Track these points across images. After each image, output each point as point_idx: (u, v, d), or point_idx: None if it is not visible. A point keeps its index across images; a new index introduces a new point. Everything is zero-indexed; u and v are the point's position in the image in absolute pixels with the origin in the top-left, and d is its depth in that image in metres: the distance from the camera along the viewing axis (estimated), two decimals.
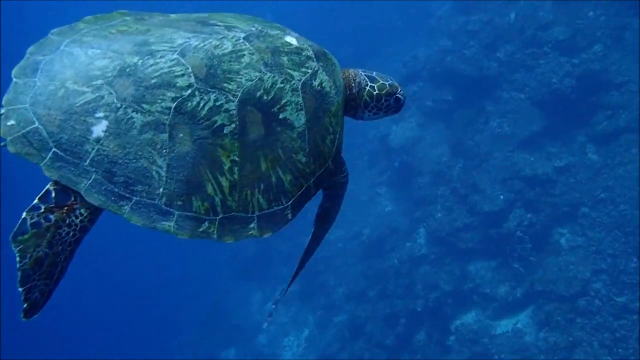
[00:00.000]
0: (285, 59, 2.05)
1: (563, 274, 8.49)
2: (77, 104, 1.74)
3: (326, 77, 2.15)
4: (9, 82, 1.81)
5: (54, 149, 1.71)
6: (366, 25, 18.37)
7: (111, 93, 1.77)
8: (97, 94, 1.76)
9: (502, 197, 9.40)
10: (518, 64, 10.36)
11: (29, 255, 1.69)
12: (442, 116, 11.56)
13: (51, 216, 1.74)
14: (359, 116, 2.44)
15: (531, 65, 10.09)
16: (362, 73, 2.42)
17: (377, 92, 2.36)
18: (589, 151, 9.57)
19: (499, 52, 10.70)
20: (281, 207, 2.01)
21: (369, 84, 2.38)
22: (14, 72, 1.81)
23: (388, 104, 2.39)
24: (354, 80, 2.39)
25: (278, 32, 2.15)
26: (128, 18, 2.08)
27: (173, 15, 2.15)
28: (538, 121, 9.79)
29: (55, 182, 1.76)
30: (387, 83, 2.38)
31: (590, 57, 9.68)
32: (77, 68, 1.80)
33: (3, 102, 1.76)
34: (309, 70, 2.10)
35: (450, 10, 13.23)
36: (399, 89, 2.41)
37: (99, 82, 1.78)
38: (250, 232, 1.95)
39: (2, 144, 1.74)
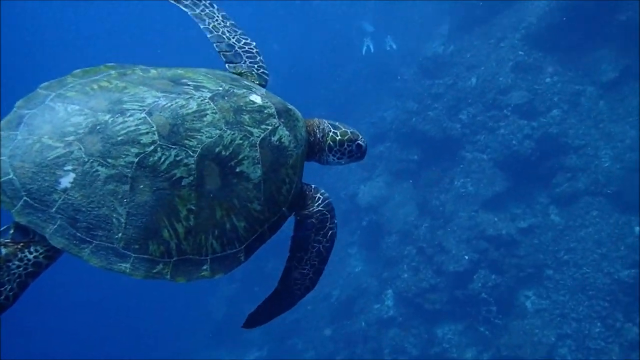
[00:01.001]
0: (247, 117, 2.24)
1: (529, 338, 8.40)
2: (49, 158, 1.93)
3: (286, 132, 2.34)
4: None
5: (24, 198, 1.89)
6: (338, 88, 18.95)
7: (80, 148, 1.95)
8: (68, 149, 1.94)
9: (466, 257, 9.41)
10: (480, 125, 10.69)
11: None
12: (409, 175, 11.73)
13: (3, 250, 1.92)
14: (324, 160, 2.64)
15: (492, 128, 10.42)
16: (326, 122, 2.65)
17: (339, 137, 2.58)
18: (551, 212, 9.73)
19: (461, 114, 11.06)
20: (234, 250, 2.15)
21: (332, 130, 2.61)
22: (1, 124, 2.01)
23: (350, 149, 2.59)
24: (318, 127, 2.62)
25: (244, 91, 2.35)
26: (112, 72, 2.27)
27: (152, 71, 2.31)
28: (501, 182, 9.99)
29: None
30: (349, 130, 2.61)
31: (548, 121, 10.05)
32: (54, 123, 1.99)
33: None
34: (269, 127, 2.29)
35: (415, 74, 13.73)
36: (360, 137, 2.61)
37: (71, 138, 1.96)
38: (203, 273, 2.09)
39: None
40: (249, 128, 2.22)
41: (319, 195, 2.51)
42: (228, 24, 2.90)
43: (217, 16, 2.90)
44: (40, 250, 1.96)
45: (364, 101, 17.02)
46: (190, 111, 2.12)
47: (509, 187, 9.96)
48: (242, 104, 2.27)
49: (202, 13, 2.87)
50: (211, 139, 2.11)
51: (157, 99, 2.12)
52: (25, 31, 30.48)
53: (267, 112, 2.32)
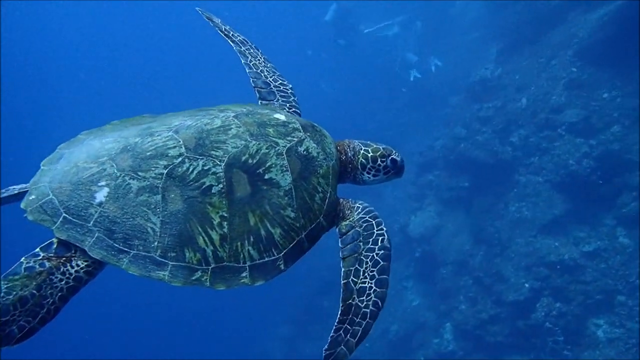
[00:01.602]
0: (271, 130, 2.34)
1: None
2: (84, 177, 2.08)
3: (313, 144, 2.40)
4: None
5: (63, 214, 2.01)
6: (387, 121, 18.99)
7: (112, 165, 2.10)
8: (101, 167, 2.10)
9: (527, 285, 8.94)
10: (533, 147, 10.32)
11: (14, 293, 1.87)
12: (460, 203, 11.42)
13: (47, 263, 1.97)
14: (359, 179, 2.63)
15: (547, 149, 10.03)
16: (357, 141, 2.69)
17: (371, 154, 2.59)
18: (619, 234, 9.12)
19: (512, 136, 10.74)
20: (272, 258, 2.16)
21: (363, 147, 2.63)
22: (42, 162, 2.21)
23: (385, 165, 2.59)
24: (349, 146, 2.66)
25: (268, 111, 2.49)
26: (145, 115, 2.51)
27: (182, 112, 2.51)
28: (559, 204, 9.51)
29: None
30: (380, 147, 2.63)
31: (608, 138, 9.55)
32: (90, 152, 2.18)
33: (30, 184, 2.13)
34: (295, 139, 2.36)
35: (463, 100, 13.55)
36: (394, 151, 2.62)
37: (104, 158, 2.13)
38: (242, 280, 2.11)
39: (24, 215, 2.05)
40: (274, 139, 2.30)
41: (357, 204, 2.49)
42: (268, 65, 3.06)
43: (260, 57, 3.07)
44: (82, 265, 2.02)
45: (414, 132, 16.94)
46: (215, 126, 2.26)
47: (569, 210, 9.47)
48: (265, 119, 2.38)
49: (246, 51, 3.05)
50: (237, 149, 2.21)
51: (183, 121, 2.29)
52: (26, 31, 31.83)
53: (291, 126, 2.40)
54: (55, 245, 2.02)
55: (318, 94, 23.99)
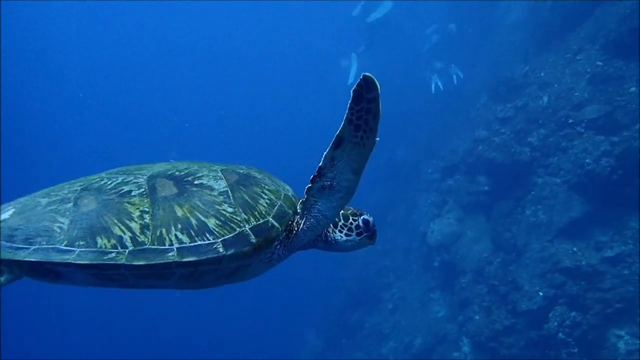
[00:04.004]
0: (205, 167, 2.40)
1: None
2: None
3: (258, 173, 2.49)
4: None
5: None
6: (420, 127, 18.92)
7: (26, 199, 2.18)
8: (15, 202, 2.18)
9: (541, 293, 8.69)
10: (553, 147, 10.03)
11: None
12: (480, 208, 11.23)
13: None
14: (331, 239, 2.60)
15: (566, 148, 9.74)
16: None
17: (342, 211, 2.57)
18: None
19: (531, 136, 10.49)
20: (207, 242, 2.09)
21: None
22: None
23: (357, 224, 2.58)
24: None
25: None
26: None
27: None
28: (578, 207, 9.19)
29: None
30: (352, 208, 2.61)
31: (633, 135, 9.16)
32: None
33: None
34: (235, 168, 2.44)
35: (488, 101, 13.35)
36: (366, 213, 2.63)
37: (22, 199, 2.21)
38: (169, 254, 2.02)
39: None
40: (206, 167, 2.40)
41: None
42: None
43: None
44: None
45: (447, 135, 16.77)
46: (145, 165, 2.44)
47: (589, 212, 9.12)
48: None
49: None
50: (162, 168, 2.31)
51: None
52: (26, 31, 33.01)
53: (232, 169, 2.46)
54: None
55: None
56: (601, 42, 10.77)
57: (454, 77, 16.62)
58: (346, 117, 2.04)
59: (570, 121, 9.94)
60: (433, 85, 16.92)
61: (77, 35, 35.80)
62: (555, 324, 8.25)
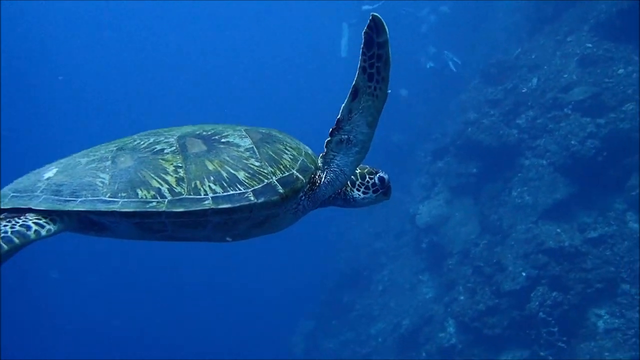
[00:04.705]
0: (229, 128, 2.58)
1: None
2: (38, 170, 2.36)
3: (279, 133, 2.64)
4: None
5: (11, 194, 2.19)
6: (416, 110, 18.97)
7: (67, 159, 2.40)
8: (57, 162, 2.40)
9: (524, 274, 8.82)
10: (540, 129, 10.10)
11: None
12: (469, 191, 11.34)
13: None
14: (350, 197, 2.76)
15: (552, 129, 9.81)
16: None
17: (359, 170, 2.74)
18: (629, 220, 8.82)
19: (519, 118, 10.56)
20: (239, 191, 2.26)
21: None
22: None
23: (374, 182, 2.72)
24: None
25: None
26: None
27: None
28: (563, 188, 9.30)
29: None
30: (368, 167, 2.76)
31: (619, 116, 9.23)
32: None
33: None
34: (258, 129, 2.61)
35: (479, 83, 13.39)
36: (382, 171, 2.77)
37: (62, 159, 2.42)
38: (205, 203, 2.20)
39: None
40: (230, 128, 2.57)
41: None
42: None
43: None
44: (31, 217, 2.08)
45: (440, 119, 16.85)
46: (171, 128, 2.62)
47: (574, 194, 9.23)
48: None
49: None
50: (190, 130, 2.49)
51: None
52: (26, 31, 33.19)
53: (254, 129, 2.63)
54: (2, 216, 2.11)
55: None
56: (591, 24, 10.79)
57: (450, 63, 16.61)
58: (360, 66, 2.17)
59: (557, 103, 10.00)
60: (428, 64, 16.94)
61: (77, 35, 35.79)
62: (537, 303, 8.40)
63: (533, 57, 11.85)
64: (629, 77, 9.69)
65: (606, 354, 7.64)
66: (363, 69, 2.17)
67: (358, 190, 2.71)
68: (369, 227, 18.27)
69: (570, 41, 11.11)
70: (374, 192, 2.72)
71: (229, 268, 24.42)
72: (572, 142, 9.18)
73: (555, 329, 8.19)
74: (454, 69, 16.56)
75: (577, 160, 9.10)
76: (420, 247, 12.17)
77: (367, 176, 2.71)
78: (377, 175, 2.71)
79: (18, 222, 2.04)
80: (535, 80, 10.89)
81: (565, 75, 10.38)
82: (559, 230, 8.97)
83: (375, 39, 2.10)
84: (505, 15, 17.06)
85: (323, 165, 2.50)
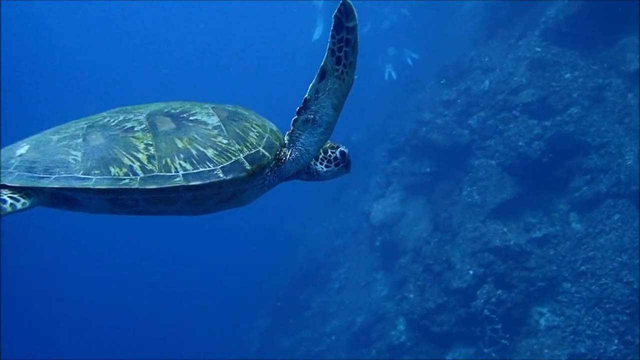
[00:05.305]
0: (197, 105, 2.60)
1: (536, 359, 7.81)
2: (10, 146, 2.36)
3: (245, 110, 2.67)
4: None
5: None
6: (374, 113, 19.15)
7: (38, 135, 2.40)
8: (28, 138, 2.39)
9: (471, 272, 9.00)
10: (490, 130, 10.34)
11: None
12: (423, 190, 11.51)
13: None
14: (313, 170, 2.84)
15: (502, 131, 10.05)
16: None
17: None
18: (572, 220, 9.12)
19: (471, 119, 10.78)
20: (208, 169, 2.33)
21: None
22: None
23: (335, 156, 2.81)
24: None
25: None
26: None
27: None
28: (510, 188, 9.55)
29: None
30: (330, 142, 2.82)
31: (564, 119, 9.53)
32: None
33: None
34: (224, 106, 2.63)
35: (435, 84, 13.62)
36: (343, 146, 2.86)
37: (34, 136, 2.41)
38: (176, 179, 2.27)
39: None
40: (198, 106, 2.58)
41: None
42: None
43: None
44: (6, 192, 2.11)
45: (397, 120, 17.05)
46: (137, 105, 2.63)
47: (521, 194, 9.48)
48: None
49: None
50: (158, 107, 2.51)
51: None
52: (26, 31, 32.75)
53: (221, 107, 2.65)
54: None
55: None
56: (541, 29, 11.10)
57: (409, 59, 16.81)
58: (328, 48, 2.25)
59: (507, 105, 10.25)
60: (386, 74, 17.10)
61: (76, 35, 35.03)
62: (482, 301, 8.59)
63: (486, 59, 12.11)
64: (575, 82, 10.03)
65: (545, 350, 7.89)
66: (332, 52, 2.27)
67: (321, 163, 2.81)
68: (329, 225, 18.38)
69: (522, 45, 11.40)
70: (335, 165, 2.81)
71: (189, 262, 24.23)
72: (520, 143, 9.43)
73: (499, 326, 8.40)
74: (411, 64, 16.76)
75: (523, 161, 9.36)
76: (375, 245, 12.29)
77: (329, 150, 2.81)
78: (339, 149, 2.81)
79: None
80: (487, 83, 11.14)
81: (516, 78, 10.65)
82: (505, 229, 9.20)
83: (344, 23, 2.18)
84: (464, 19, 17.41)
85: (289, 143, 2.59)
